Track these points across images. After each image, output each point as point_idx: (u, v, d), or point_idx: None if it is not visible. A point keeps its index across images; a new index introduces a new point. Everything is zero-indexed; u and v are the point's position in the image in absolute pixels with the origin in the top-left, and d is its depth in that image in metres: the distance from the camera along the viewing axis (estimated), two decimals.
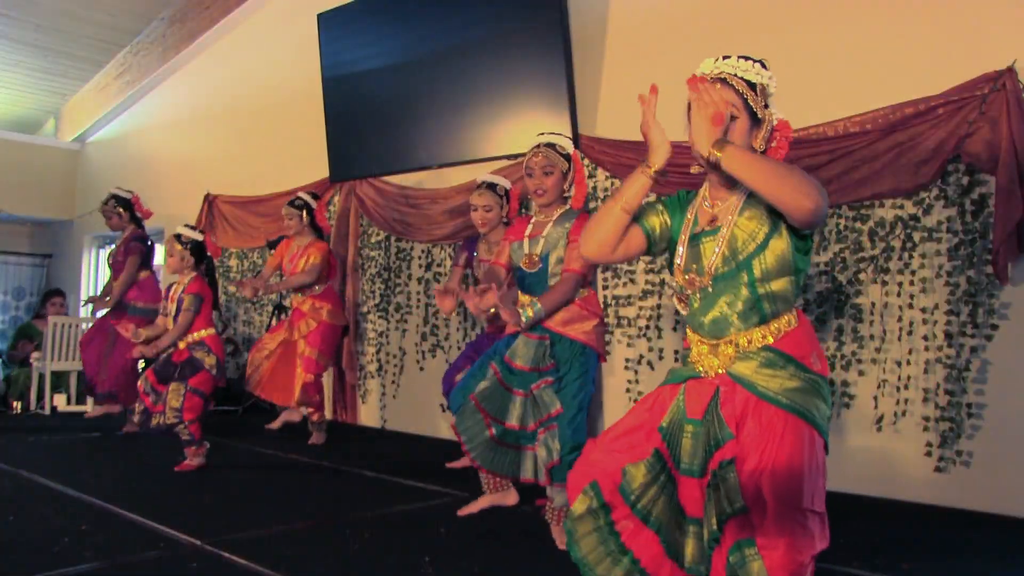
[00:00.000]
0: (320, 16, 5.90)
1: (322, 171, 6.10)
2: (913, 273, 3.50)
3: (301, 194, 4.97)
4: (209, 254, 4.25)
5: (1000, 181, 3.18)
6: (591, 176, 4.57)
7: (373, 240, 5.86)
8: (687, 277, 1.67)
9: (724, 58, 1.66)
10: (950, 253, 3.41)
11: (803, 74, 3.85)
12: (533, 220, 2.89)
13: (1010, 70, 3.21)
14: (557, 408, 2.66)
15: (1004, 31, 3.31)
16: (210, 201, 7.15)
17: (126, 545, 2.67)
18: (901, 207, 3.55)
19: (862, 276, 3.63)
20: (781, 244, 1.60)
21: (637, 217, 1.74)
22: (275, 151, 6.79)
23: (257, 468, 4.13)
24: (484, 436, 2.78)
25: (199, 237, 4.14)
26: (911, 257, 3.51)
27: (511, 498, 2.94)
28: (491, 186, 3.65)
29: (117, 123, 8.99)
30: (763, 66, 1.67)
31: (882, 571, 2.51)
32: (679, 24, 4.33)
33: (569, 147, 2.90)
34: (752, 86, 1.64)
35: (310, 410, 4.91)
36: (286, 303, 5.18)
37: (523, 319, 2.66)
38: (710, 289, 1.64)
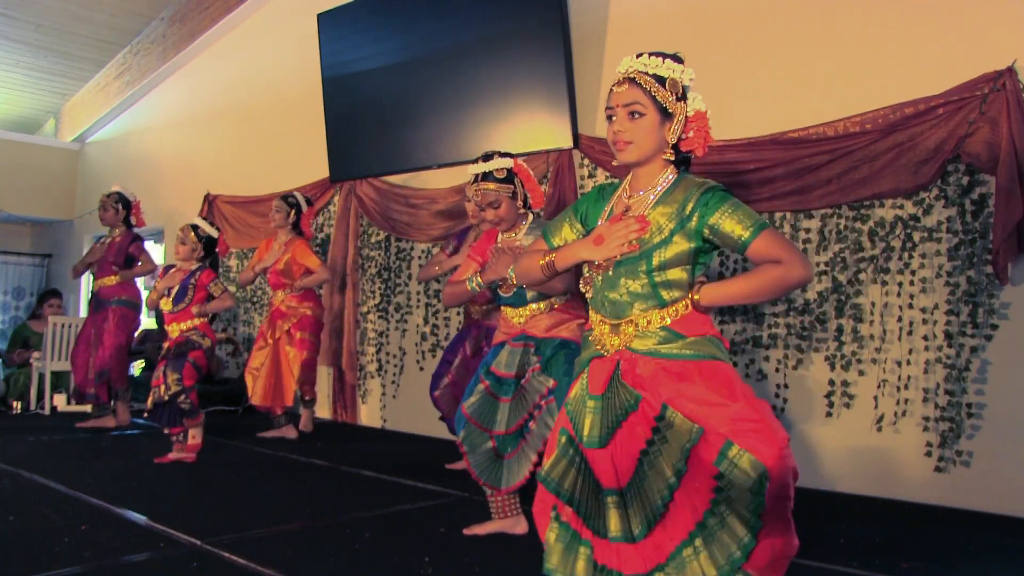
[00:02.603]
0: (320, 16, 5.90)
1: (322, 171, 6.10)
2: (913, 273, 3.50)
3: (296, 193, 5.01)
4: (217, 251, 4.32)
5: (1000, 181, 3.18)
6: (591, 176, 4.57)
7: (373, 240, 5.86)
8: (594, 262, 1.76)
9: (637, 56, 1.74)
10: (950, 253, 3.41)
11: (803, 74, 3.86)
12: (501, 238, 2.89)
13: (1010, 70, 3.21)
14: (550, 384, 2.66)
15: (1004, 31, 3.31)
16: (210, 201, 7.15)
17: (126, 545, 2.67)
18: (901, 207, 3.55)
19: (862, 276, 3.63)
20: (684, 241, 1.68)
21: (546, 235, 1.90)
22: (275, 151, 6.79)
23: (257, 468, 4.13)
24: (486, 447, 2.78)
25: (215, 234, 4.29)
26: (911, 257, 3.51)
27: (520, 526, 2.90)
28: None
29: (117, 123, 8.99)
30: (676, 60, 1.74)
31: (882, 571, 2.51)
32: (679, 24, 4.33)
33: (506, 164, 2.85)
34: (661, 80, 1.71)
35: (304, 392, 5.00)
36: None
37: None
38: (611, 273, 1.73)
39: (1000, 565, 2.68)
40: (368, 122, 5.71)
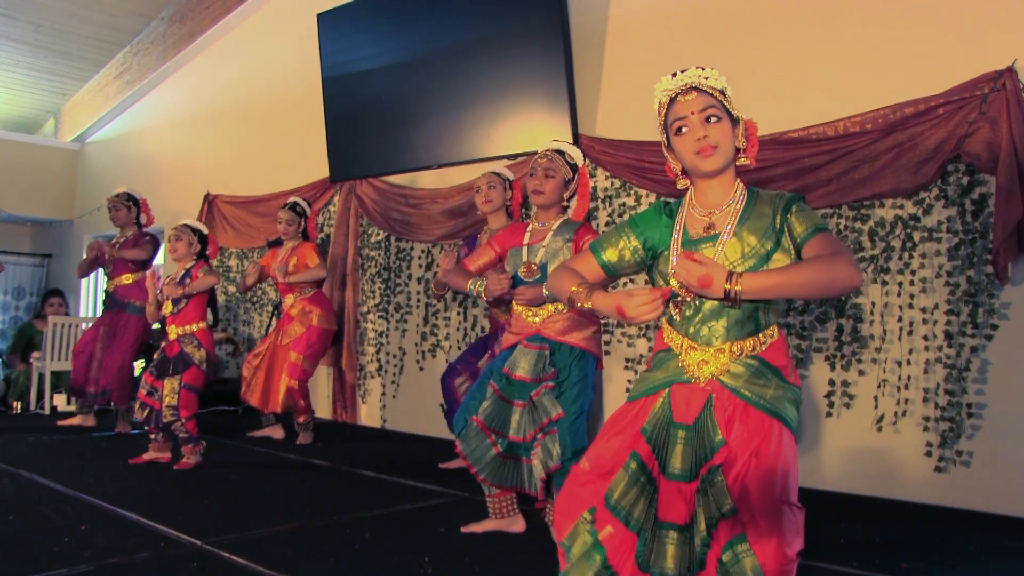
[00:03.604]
0: (320, 16, 5.90)
1: (322, 171, 6.10)
2: (913, 273, 3.50)
3: (299, 201, 5.00)
4: (208, 253, 4.30)
5: (1000, 181, 3.18)
6: (591, 176, 4.57)
7: (373, 240, 5.86)
8: (683, 286, 1.67)
9: (682, 71, 1.70)
10: (950, 253, 3.41)
11: (803, 74, 3.86)
12: (530, 228, 2.88)
13: (1010, 70, 3.21)
14: (558, 412, 2.65)
15: (1004, 31, 3.31)
16: (210, 201, 7.15)
17: (126, 545, 2.67)
18: (901, 207, 3.55)
19: (862, 276, 3.63)
20: (784, 259, 1.63)
21: (595, 249, 1.81)
22: (275, 151, 6.79)
23: (256, 468, 4.13)
24: (491, 455, 2.76)
25: (205, 230, 4.27)
26: (911, 257, 3.51)
27: (518, 525, 2.89)
28: (496, 173, 3.74)
29: (117, 123, 8.99)
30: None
31: (882, 571, 2.51)
32: (679, 24, 4.33)
33: (579, 159, 2.92)
34: (721, 91, 1.69)
35: (297, 415, 4.90)
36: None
37: (547, 297, 2.71)
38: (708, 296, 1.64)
39: (1000, 565, 2.68)
40: (368, 122, 5.71)
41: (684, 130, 1.67)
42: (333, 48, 5.86)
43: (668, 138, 1.72)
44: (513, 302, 2.88)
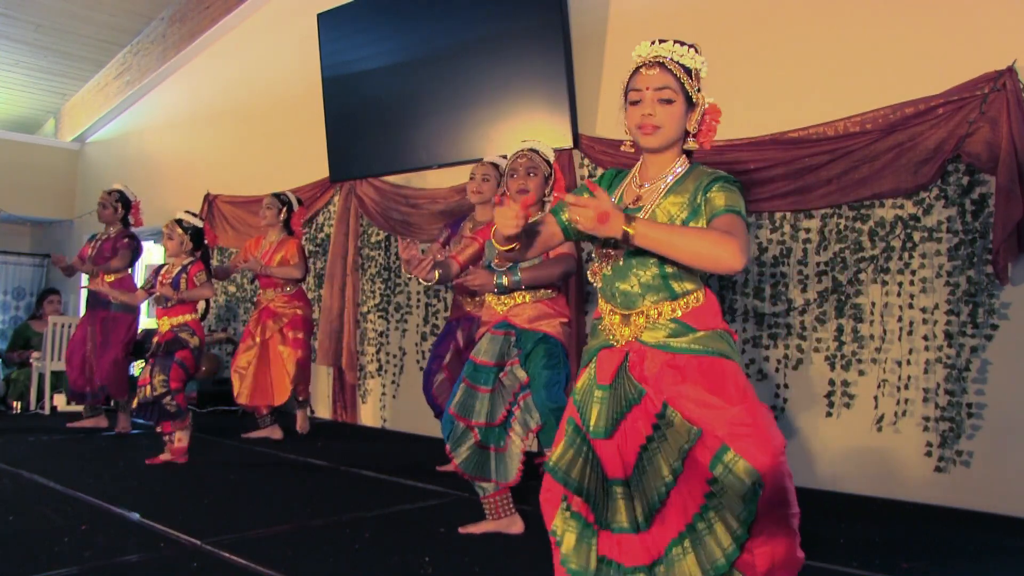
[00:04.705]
0: (320, 16, 5.90)
1: (322, 171, 6.10)
2: (913, 273, 3.50)
3: (287, 192, 5.03)
4: (206, 243, 4.29)
5: (1000, 181, 3.18)
6: (591, 176, 4.58)
7: (373, 240, 5.86)
8: (604, 251, 1.75)
9: (660, 42, 1.71)
10: (950, 253, 3.41)
11: (803, 74, 3.86)
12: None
13: (1010, 70, 3.21)
14: (524, 378, 2.68)
15: (1004, 31, 3.31)
16: (210, 201, 7.15)
17: (126, 545, 2.67)
18: (901, 207, 3.55)
19: (862, 276, 3.63)
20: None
21: (555, 210, 1.84)
22: (275, 151, 6.79)
23: (256, 468, 4.13)
24: (470, 442, 2.77)
25: (199, 223, 4.28)
26: (911, 257, 3.51)
27: (516, 526, 2.88)
28: (494, 164, 3.72)
29: (117, 123, 8.99)
30: (696, 51, 1.73)
31: (882, 571, 2.51)
32: (679, 24, 4.33)
33: (551, 155, 2.96)
34: (688, 71, 1.70)
35: (298, 392, 4.94)
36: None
37: (496, 283, 2.68)
38: (621, 263, 1.71)
39: (1000, 565, 2.68)
40: (368, 122, 5.71)
41: (637, 103, 1.70)
42: (333, 48, 5.86)
43: (625, 103, 1.75)
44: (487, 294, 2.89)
